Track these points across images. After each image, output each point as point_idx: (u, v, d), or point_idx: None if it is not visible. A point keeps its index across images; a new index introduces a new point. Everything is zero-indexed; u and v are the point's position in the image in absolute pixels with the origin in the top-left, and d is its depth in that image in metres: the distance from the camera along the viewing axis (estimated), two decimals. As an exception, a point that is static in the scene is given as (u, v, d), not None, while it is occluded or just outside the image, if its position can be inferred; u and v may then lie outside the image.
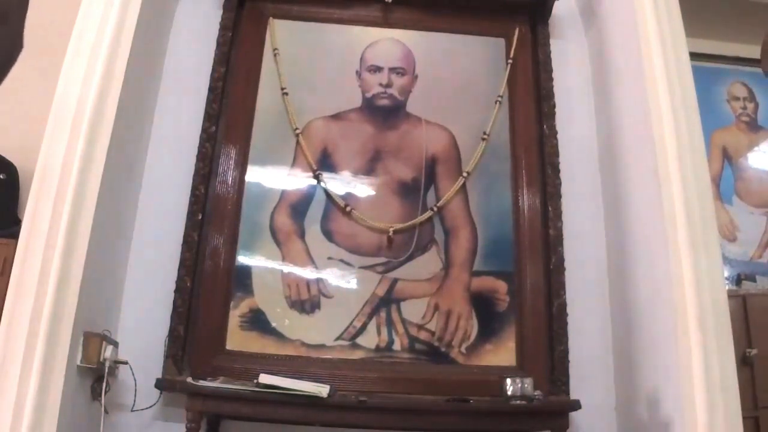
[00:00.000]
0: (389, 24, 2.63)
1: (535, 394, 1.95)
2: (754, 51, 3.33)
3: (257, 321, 2.20)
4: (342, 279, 2.28)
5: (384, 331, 2.22)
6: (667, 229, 1.93)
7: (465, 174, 2.41)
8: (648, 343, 2.03)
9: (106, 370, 1.91)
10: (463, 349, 2.22)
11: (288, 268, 2.27)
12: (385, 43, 2.62)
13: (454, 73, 2.58)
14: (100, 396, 1.91)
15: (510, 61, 2.59)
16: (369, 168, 2.42)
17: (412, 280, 2.29)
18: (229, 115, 2.42)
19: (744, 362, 2.30)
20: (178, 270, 2.20)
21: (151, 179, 2.35)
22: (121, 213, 2.18)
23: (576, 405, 1.97)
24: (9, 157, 2.37)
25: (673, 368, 1.84)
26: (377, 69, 2.57)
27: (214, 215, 2.29)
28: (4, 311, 1.73)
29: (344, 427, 1.98)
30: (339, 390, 1.97)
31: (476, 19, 2.65)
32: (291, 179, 2.38)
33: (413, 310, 2.25)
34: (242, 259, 2.26)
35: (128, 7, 2.10)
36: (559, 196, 2.38)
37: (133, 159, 2.27)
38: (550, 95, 2.52)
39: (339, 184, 2.39)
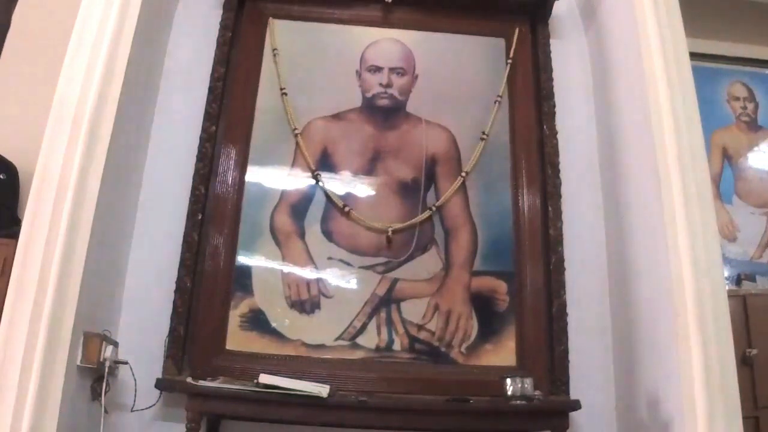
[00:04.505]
0: (389, 24, 2.63)
1: (535, 394, 1.95)
2: (754, 51, 3.34)
3: (257, 321, 2.20)
4: (342, 279, 2.28)
5: (384, 331, 2.22)
6: (667, 229, 1.93)
7: (464, 174, 2.41)
8: (648, 343, 2.03)
9: (106, 370, 1.91)
10: (463, 349, 2.22)
11: (288, 268, 2.27)
12: (385, 43, 2.62)
13: (454, 73, 2.58)
14: (100, 396, 1.91)
15: (510, 61, 2.59)
16: (369, 168, 2.42)
17: (412, 280, 2.29)
18: (229, 115, 2.42)
19: (744, 362, 2.30)
20: (178, 270, 2.20)
21: (151, 179, 2.35)
22: (121, 213, 2.18)
23: (576, 405, 1.97)
24: (9, 157, 2.37)
25: (673, 368, 1.84)
26: (377, 69, 2.57)
27: (214, 215, 2.29)
28: (4, 311, 1.73)
29: (344, 427, 1.98)
30: (339, 390, 1.97)
31: (476, 19, 2.65)
32: (291, 179, 2.38)
33: (413, 310, 2.25)
34: (242, 259, 2.26)
35: (128, 7, 2.10)
36: (559, 196, 2.38)
37: (133, 159, 2.27)
38: (550, 95, 2.52)
39: (339, 184, 2.39)
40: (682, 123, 2.02)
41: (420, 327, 2.24)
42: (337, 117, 2.49)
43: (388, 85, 2.54)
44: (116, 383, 2.05)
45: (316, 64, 2.55)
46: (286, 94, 2.47)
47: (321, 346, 2.19)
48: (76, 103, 1.94)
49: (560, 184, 2.40)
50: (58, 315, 1.75)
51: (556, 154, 2.43)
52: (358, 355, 2.19)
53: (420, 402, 1.99)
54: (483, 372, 2.17)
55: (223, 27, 2.52)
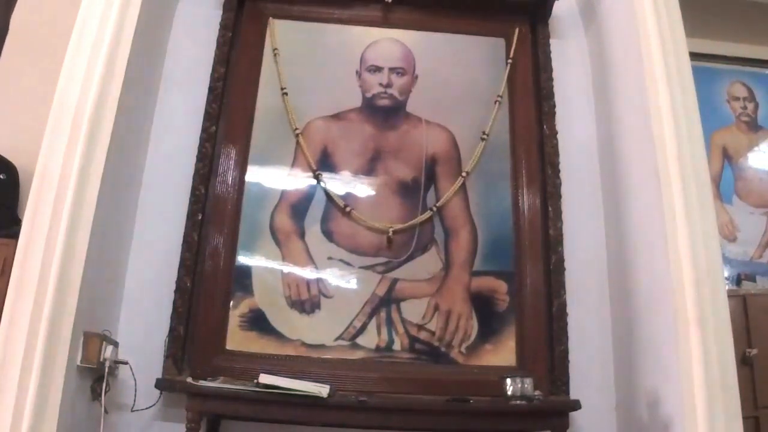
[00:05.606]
0: (389, 24, 2.63)
1: (535, 394, 1.95)
2: (754, 51, 3.35)
3: (257, 321, 2.20)
4: (342, 279, 2.28)
5: (384, 331, 2.22)
6: (667, 229, 1.93)
7: (464, 174, 2.41)
8: (648, 343, 2.03)
9: (106, 370, 1.91)
10: (463, 349, 2.22)
11: (288, 268, 2.27)
12: (385, 43, 2.62)
13: (454, 73, 2.58)
14: (100, 396, 1.91)
15: (510, 61, 2.59)
16: (369, 168, 2.42)
17: (412, 280, 2.29)
18: (229, 115, 2.42)
19: (744, 362, 2.30)
20: (178, 270, 2.20)
21: (151, 179, 2.35)
22: (121, 213, 2.18)
23: (576, 405, 1.97)
24: (9, 157, 2.37)
25: (673, 368, 1.83)
26: (377, 69, 2.57)
27: (214, 215, 2.29)
28: (4, 311, 1.73)
29: (344, 427, 1.98)
30: (339, 390, 1.97)
31: (476, 19, 2.65)
32: (291, 179, 2.38)
33: (413, 310, 2.25)
34: (242, 259, 2.26)
35: (128, 7, 2.10)
36: (559, 196, 2.38)
37: (133, 158, 2.27)
38: (550, 95, 2.52)
39: (339, 184, 2.39)
40: (682, 123, 2.02)
41: (420, 327, 2.24)
42: (337, 117, 2.49)
43: (388, 85, 2.54)
44: (116, 383, 2.05)
45: (316, 64, 2.55)
46: (286, 93, 2.47)
47: (321, 346, 2.19)
48: (76, 103, 1.94)
49: (560, 184, 2.40)
50: (58, 315, 1.75)
51: (556, 154, 2.43)
52: (358, 355, 2.19)
53: (420, 402, 1.99)
54: (483, 372, 2.17)
55: (223, 27, 2.52)
